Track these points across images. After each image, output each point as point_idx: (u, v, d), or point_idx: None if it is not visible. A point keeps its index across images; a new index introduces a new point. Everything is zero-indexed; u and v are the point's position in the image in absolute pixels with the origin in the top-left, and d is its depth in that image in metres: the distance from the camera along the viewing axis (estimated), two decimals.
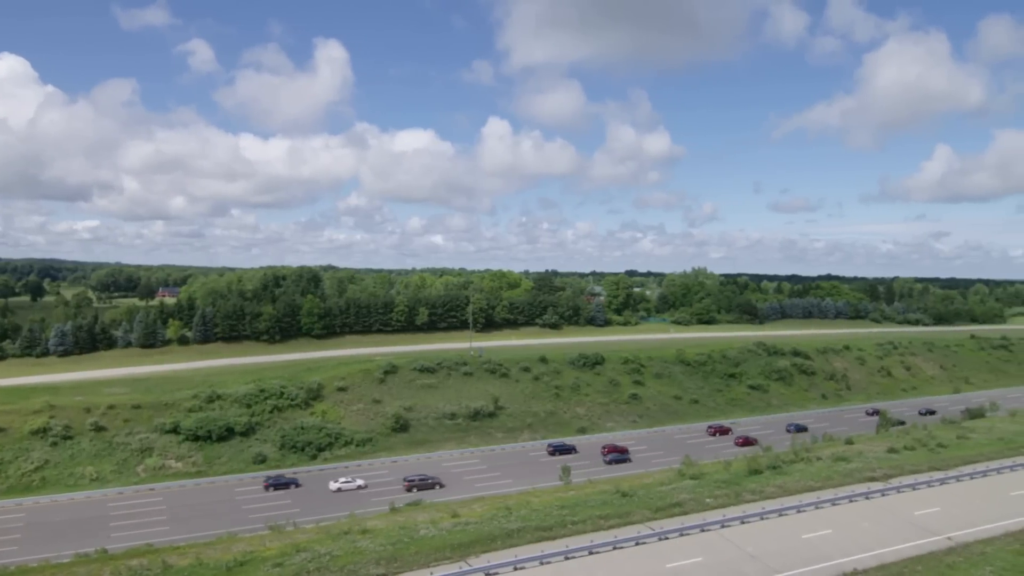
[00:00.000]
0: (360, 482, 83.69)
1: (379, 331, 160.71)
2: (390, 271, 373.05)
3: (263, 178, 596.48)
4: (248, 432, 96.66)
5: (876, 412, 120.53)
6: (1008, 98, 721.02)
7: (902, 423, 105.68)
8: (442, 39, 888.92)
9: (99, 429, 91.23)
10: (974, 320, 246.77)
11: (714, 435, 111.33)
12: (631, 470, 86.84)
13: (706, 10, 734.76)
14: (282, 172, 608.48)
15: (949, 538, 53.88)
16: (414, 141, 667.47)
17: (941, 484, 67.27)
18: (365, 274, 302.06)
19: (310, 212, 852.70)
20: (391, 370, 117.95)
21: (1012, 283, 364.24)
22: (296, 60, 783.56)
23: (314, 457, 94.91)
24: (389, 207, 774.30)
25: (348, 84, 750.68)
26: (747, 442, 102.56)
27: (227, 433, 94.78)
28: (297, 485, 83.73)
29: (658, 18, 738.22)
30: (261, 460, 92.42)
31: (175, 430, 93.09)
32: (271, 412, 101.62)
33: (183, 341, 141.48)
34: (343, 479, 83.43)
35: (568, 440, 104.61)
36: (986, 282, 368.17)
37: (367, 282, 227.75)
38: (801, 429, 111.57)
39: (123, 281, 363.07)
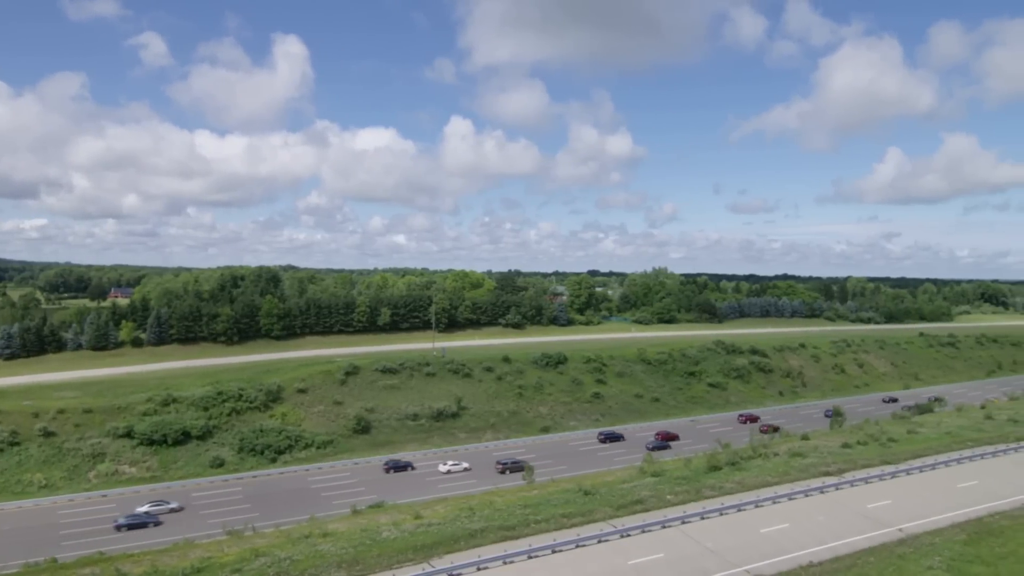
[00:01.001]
0: (465, 464, 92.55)
1: (340, 332, 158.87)
2: (351, 271, 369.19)
3: (220, 176, 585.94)
4: (205, 435, 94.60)
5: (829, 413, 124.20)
6: (956, 103, 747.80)
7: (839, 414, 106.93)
8: (404, 36, 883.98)
9: (48, 434, 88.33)
10: (923, 318, 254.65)
11: (744, 423, 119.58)
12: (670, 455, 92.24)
13: (668, 12, 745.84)
14: (240, 170, 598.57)
15: (900, 530, 55.54)
16: (376, 139, 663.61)
17: (892, 477, 69.34)
18: (326, 274, 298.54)
19: (269, 211, 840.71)
20: (353, 371, 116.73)
21: (958, 282, 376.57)
22: (254, 55, 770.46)
23: (273, 460, 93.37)
24: (350, 206, 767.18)
25: (308, 81, 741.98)
26: (772, 428, 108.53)
27: (183, 437, 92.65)
28: (412, 468, 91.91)
29: (620, 19, 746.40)
30: (219, 464, 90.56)
31: (129, 434, 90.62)
32: (229, 415, 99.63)
33: (137, 343, 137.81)
34: (451, 462, 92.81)
35: (525, 441, 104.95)
36: (934, 281, 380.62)
37: (328, 282, 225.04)
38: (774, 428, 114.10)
39: (73, 281, 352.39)
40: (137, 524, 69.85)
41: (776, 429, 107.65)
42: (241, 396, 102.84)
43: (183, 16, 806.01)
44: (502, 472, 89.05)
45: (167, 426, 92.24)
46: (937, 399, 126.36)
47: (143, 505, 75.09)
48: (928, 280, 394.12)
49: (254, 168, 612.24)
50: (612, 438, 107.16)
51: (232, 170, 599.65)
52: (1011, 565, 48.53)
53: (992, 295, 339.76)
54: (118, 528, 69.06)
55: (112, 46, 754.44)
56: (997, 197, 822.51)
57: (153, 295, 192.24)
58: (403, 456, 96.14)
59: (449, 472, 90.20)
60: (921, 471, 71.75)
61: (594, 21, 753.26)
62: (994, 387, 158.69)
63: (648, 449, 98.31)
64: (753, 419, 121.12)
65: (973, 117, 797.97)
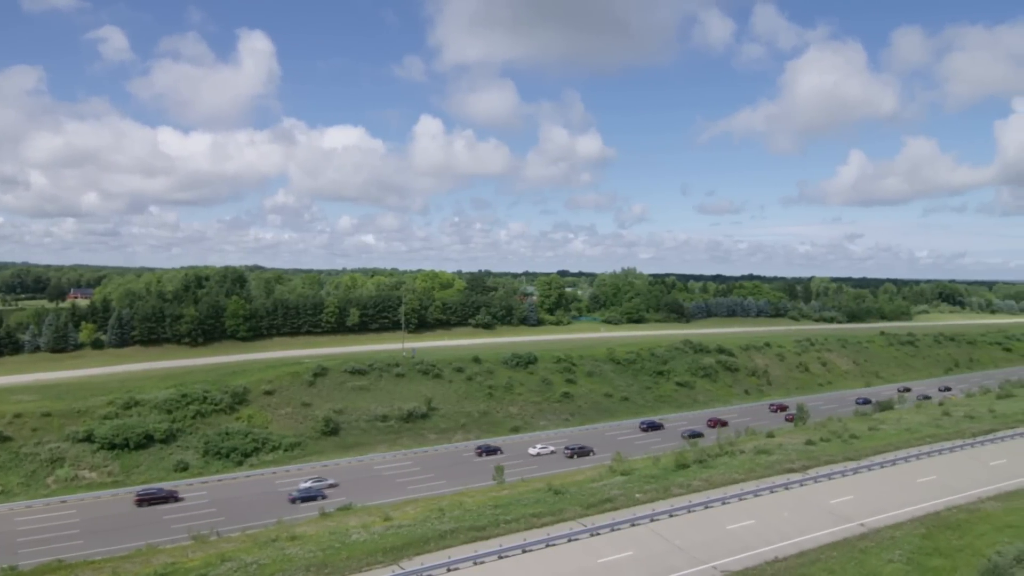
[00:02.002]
0: (552, 448, 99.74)
1: (308, 333, 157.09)
2: (320, 271, 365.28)
3: (184, 174, 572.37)
4: (169, 439, 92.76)
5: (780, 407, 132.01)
6: (918, 106, 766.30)
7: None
8: (372, 34, 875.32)
9: (4, 439, 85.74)
10: (883, 317, 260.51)
11: (775, 412, 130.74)
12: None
13: (637, 14, 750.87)
14: (204, 168, 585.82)
15: (862, 524, 56.86)
16: (344, 138, 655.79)
17: (854, 473, 70.89)
18: (293, 274, 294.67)
19: (235, 210, 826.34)
20: (321, 372, 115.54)
21: (917, 282, 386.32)
22: (218, 51, 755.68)
23: (240, 463, 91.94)
24: (318, 206, 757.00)
25: (274, 77, 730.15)
26: (794, 418, 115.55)
27: (146, 440, 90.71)
28: (501, 451, 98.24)
29: (591, 20, 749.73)
30: (183, 468, 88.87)
31: (89, 439, 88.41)
32: (193, 418, 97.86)
33: (97, 345, 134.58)
34: (540, 445, 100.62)
35: (497, 440, 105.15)
36: (894, 282, 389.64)
37: (295, 282, 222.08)
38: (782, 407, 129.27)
39: (30, 282, 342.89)
40: (309, 497, 78.01)
41: (791, 418, 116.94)
42: (206, 398, 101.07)
43: (143, 9, 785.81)
44: (570, 457, 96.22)
45: (129, 430, 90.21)
46: (907, 389, 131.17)
47: (306, 481, 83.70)
48: (888, 280, 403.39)
49: (219, 166, 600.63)
50: (653, 427, 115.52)
51: (196, 168, 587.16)
52: (967, 557, 50.02)
53: (949, 295, 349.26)
54: (293, 501, 76.85)
55: (70, 40, 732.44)
56: (955, 199, 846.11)
57: (114, 296, 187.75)
58: (491, 442, 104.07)
59: (539, 455, 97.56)
60: (882, 467, 73.50)
61: (564, 21, 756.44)
62: (951, 384, 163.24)
63: (683, 437, 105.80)
64: (783, 408, 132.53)
65: (933, 121, 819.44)
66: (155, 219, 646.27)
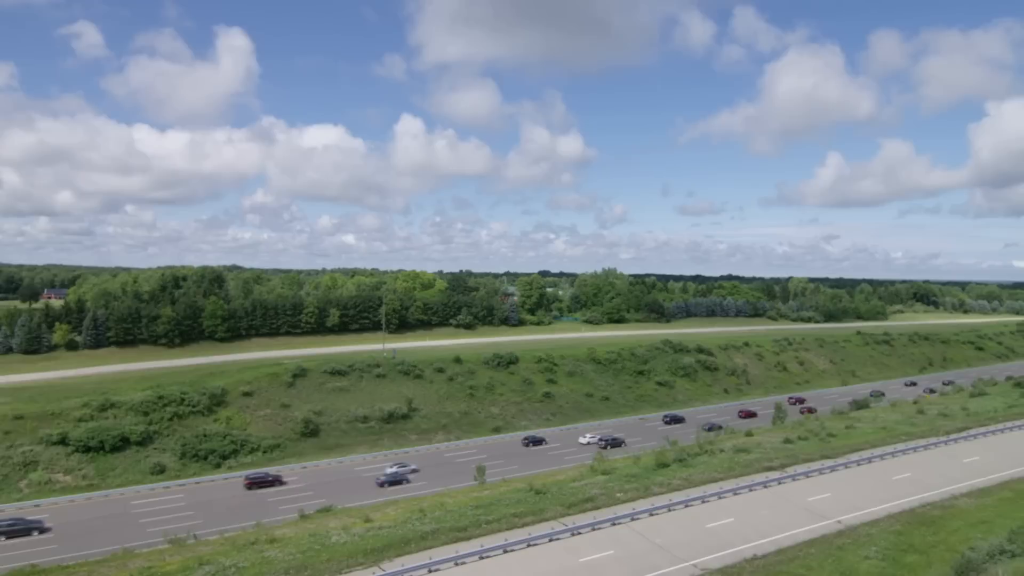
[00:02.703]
0: (600, 437, 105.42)
1: (287, 333, 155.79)
2: (299, 271, 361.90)
3: (160, 172, 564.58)
4: (145, 441, 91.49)
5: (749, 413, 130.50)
6: (894, 109, 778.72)
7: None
8: (352, 32, 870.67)
9: None
10: (860, 317, 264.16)
11: (794, 404, 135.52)
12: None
13: (619, 15, 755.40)
14: (181, 166, 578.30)
15: (839, 521, 57.54)
16: (324, 137, 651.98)
17: (831, 471, 71.78)
18: (272, 274, 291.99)
19: (212, 209, 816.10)
20: (300, 373, 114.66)
21: (893, 283, 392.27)
22: (195, 48, 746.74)
23: (218, 466, 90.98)
24: (298, 205, 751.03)
25: (253, 75, 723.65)
26: (810, 410, 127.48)
27: (122, 443, 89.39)
28: (546, 442, 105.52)
29: (572, 20, 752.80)
30: (160, 470, 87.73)
31: (63, 441, 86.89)
32: (171, 420, 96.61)
33: (72, 346, 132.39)
34: (589, 435, 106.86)
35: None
36: (870, 282, 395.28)
37: (274, 283, 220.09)
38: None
39: (2, 282, 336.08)
40: (396, 481, 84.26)
41: (814, 410, 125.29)
42: (183, 400, 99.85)
43: (118, 5, 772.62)
44: (604, 447, 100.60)
45: (104, 432, 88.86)
46: (879, 393, 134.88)
47: (392, 467, 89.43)
48: (865, 281, 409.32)
49: (197, 165, 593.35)
50: (675, 420, 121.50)
51: (173, 166, 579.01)
52: (941, 553, 50.82)
53: (924, 295, 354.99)
54: (381, 485, 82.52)
55: (43, 35, 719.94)
56: (930, 201, 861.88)
57: (89, 296, 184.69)
58: (536, 433, 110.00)
59: (588, 443, 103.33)
60: (858, 464, 74.50)
61: (546, 21, 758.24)
62: (926, 383, 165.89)
63: (705, 430, 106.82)
64: (801, 400, 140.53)
65: (909, 123, 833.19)
66: (131, 218, 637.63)
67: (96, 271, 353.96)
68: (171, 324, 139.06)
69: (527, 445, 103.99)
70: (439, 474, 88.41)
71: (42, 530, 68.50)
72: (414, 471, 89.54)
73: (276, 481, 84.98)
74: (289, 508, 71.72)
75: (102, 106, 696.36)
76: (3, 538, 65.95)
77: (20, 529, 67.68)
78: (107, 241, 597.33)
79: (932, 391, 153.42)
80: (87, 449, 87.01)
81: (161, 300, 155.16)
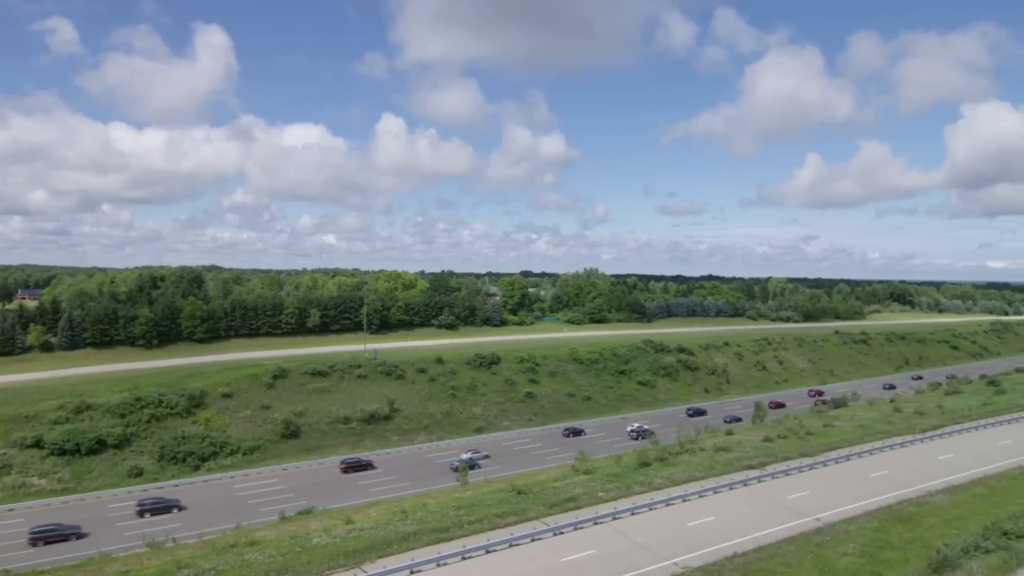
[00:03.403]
0: (647, 426, 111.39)
1: (267, 334, 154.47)
2: (279, 271, 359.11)
3: (138, 171, 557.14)
4: (122, 444, 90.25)
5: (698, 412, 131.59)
6: (872, 111, 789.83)
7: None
8: (333, 29, 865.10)
9: None
10: (837, 317, 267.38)
11: (812, 396, 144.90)
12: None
13: (601, 15, 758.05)
14: (159, 165, 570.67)
15: (817, 519, 58.20)
16: (304, 136, 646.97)
17: (810, 469, 72.60)
18: (252, 275, 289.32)
19: (191, 209, 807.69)
20: (281, 374, 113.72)
21: (870, 283, 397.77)
22: (172, 45, 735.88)
23: (197, 468, 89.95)
24: (278, 205, 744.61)
25: (232, 73, 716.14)
26: (823, 401, 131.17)
27: (98, 446, 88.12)
28: (585, 433, 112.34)
29: (554, 20, 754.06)
30: (137, 473, 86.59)
31: (38, 444, 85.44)
32: (148, 422, 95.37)
33: (47, 348, 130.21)
34: (636, 424, 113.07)
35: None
36: (848, 282, 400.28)
37: (254, 283, 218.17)
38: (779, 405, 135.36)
39: None
40: (471, 466, 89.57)
41: (826, 402, 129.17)
42: (161, 402, 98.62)
43: (93, 0, 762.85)
44: (635, 438, 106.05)
45: (80, 435, 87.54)
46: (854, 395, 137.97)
47: (466, 453, 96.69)
48: (842, 281, 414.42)
49: (175, 163, 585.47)
50: (698, 413, 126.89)
51: (151, 165, 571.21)
52: (917, 549, 51.61)
53: (900, 295, 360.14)
54: (454, 469, 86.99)
55: (15, 31, 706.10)
56: (906, 202, 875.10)
57: (65, 296, 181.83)
58: (575, 424, 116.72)
59: (633, 430, 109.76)
60: (836, 462, 75.40)
61: (528, 20, 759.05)
62: (902, 381, 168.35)
63: (725, 422, 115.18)
64: (820, 393, 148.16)
65: (887, 125, 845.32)
66: (107, 218, 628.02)
67: (72, 271, 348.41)
68: (149, 325, 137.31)
69: (568, 436, 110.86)
70: (507, 461, 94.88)
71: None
72: (485, 457, 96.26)
73: (368, 465, 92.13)
74: (270, 510, 71.21)
75: (77, 104, 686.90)
76: None
77: None
78: (83, 241, 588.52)
79: (892, 386, 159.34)
80: (62, 452, 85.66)
81: (139, 301, 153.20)
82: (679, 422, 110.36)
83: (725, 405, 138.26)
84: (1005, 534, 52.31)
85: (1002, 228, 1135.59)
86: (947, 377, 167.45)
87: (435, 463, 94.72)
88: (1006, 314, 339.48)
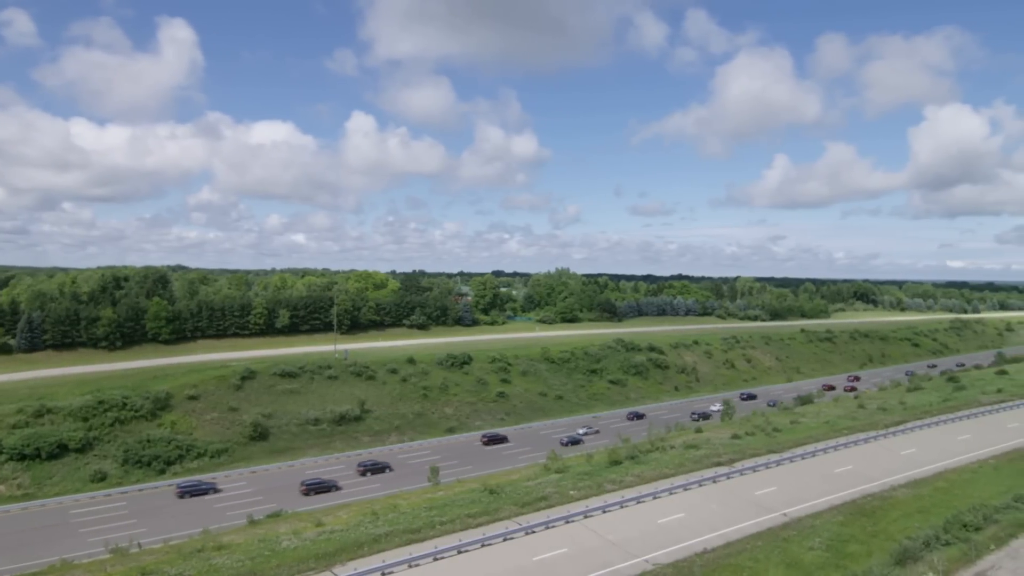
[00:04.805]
0: (715, 407, 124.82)
1: (235, 335, 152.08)
2: (247, 271, 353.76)
3: (100, 169, 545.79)
4: (85, 448, 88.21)
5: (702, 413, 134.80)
6: (839, 112, 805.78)
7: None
8: (301, 24, 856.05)
9: None
10: (804, 316, 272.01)
11: (828, 390, 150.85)
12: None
13: (574, 14, 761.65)
14: (122, 162, 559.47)
15: (784, 514, 59.15)
16: (272, 133, 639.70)
17: (777, 465, 73.70)
18: (219, 275, 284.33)
19: (156, 207, 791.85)
20: (249, 376, 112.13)
21: (835, 282, 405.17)
22: (135, 39, 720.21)
23: (162, 472, 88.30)
24: (246, 203, 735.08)
25: (197, 68, 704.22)
26: (853, 389, 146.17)
27: (59, 450, 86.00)
28: (644, 416, 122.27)
29: (527, 19, 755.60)
30: (101, 478, 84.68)
31: None
32: (112, 425, 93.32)
33: (5, 350, 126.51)
34: (716, 405, 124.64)
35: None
36: (814, 281, 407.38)
37: (221, 283, 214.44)
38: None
39: None
40: (575, 441, 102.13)
41: (855, 389, 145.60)
42: (125, 404, 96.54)
43: None
44: (696, 419, 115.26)
45: (40, 439, 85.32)
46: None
47: (580, 429, 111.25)
48: (808, 280, 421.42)
49: (138, 161, 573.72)
50: (703, 416, 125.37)
51: (113, 162, 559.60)
52: (881, 542, 52.77)
53: (864, 294, 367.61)
54: (564, 444, 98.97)
55: None
56: (871, 203, 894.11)
57: (23, 297, 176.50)
58: (639, 409, 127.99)
59: (704, 416, 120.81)
60: (803, 458, 76.63)
61: (501, 19, 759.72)
62: (866, 378, 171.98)
63: (769, 405, 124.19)
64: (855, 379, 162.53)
65: (853, 127, 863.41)
66: (68, 216, 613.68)
67: (31, 271, 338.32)
68: (112, 326, 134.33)
69: (631, 419, 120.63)
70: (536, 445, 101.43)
71: None
72: (595, 432, 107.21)
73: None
74: (238, 513, 70.14)
75: (36, 98, 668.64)
76: None
77: None
78: (43, 240, 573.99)
79: (852, 388, 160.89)
80: (22, 457, 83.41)
81: (101, 301, 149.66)
82: (618, 430, 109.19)
83: (695, 403, 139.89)
84: (965, 526, 53.82)
85: (962, 228, 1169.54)
86: (906, 373, 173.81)
87: (550, 439, 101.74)
88: (965, 312, 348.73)
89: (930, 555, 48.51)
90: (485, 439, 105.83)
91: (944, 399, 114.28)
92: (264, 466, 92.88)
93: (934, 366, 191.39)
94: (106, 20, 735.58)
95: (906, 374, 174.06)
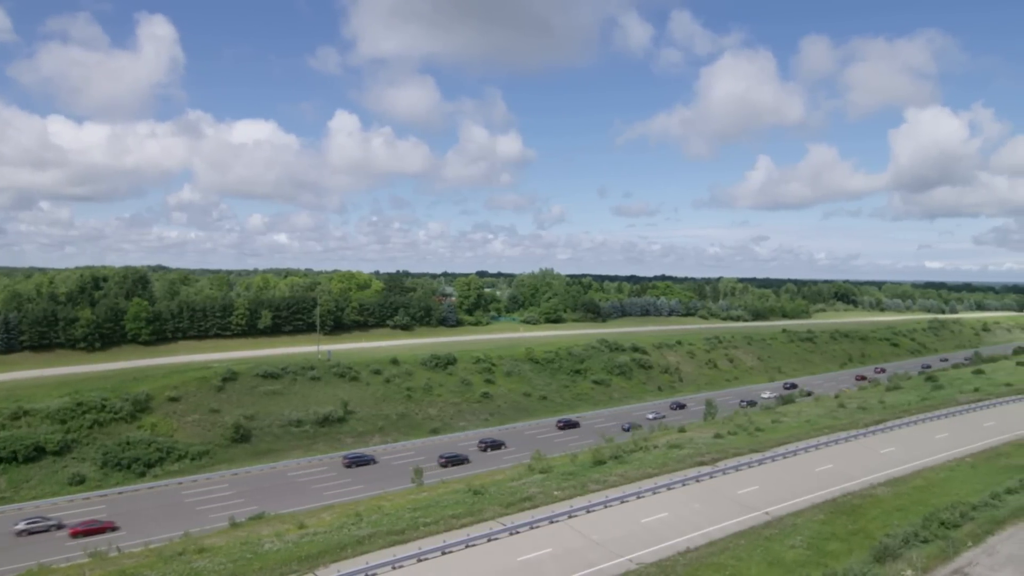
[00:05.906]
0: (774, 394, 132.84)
1: (217, 336, 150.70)
2: (229, 272, 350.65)
3: (78, 167, 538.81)
4: (63, 451, 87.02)
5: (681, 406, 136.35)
6: (821, 114, 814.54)
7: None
8: (283, 21, 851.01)
9: None
10: (785, 316, 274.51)
11: (860, 380, 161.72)
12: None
13: (559, 14, 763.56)
14: (101, 161, 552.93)
15: (767, 513, 59.64)
16: (255, 132, 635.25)
17: (759, 464, 74.27)
18: (200, 275, 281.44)
19: (135, 207, 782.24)
20: (231, 377, 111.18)
21: (816, 283, 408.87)
22: (113, 35, 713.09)
23: (142, 474, 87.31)
24: (227, 203, 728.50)
25: (178, 66, 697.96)
26: (865, 377, 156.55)
27: (36, 453, 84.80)
28: (687, 407, 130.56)
29: (513, 18, 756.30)
30: (79, 481, 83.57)
31: None
32: (90, 427, 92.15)
33: None
34: (768, 393, 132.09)
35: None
36: (795, 282, 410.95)
37: (203, 283, 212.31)
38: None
39: None
40: (631, 428, 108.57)
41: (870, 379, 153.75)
42: (104, 406, 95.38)
43: None
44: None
45: (17, 442, 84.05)
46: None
47: (650, 414, 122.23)
48: (790, 281, 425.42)
49: (117, 159, 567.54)
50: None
51: (92, 161, 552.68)
52: (861, 540, 53.37)
53: (844, 294, 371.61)
54: (624, 429, 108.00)
55: None
56: (852, 204, 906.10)
57: (0, 298, 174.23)
58: (680, 399, 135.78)
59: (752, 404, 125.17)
60: (784, 457, 77.30)
61: (486, 18, 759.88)
62: (846, 377, 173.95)
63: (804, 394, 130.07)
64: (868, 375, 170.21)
65: (835, 128, 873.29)
66: (46, 215, 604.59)
67: (7, 271, 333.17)
68: (91, 327, 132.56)
69: (673, 409, 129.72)
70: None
71: None
72: (659, 418, 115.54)
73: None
74: (220, 516, 69.52)
75: (11, 95, 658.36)
76: None
77: None
78: (19, 240, 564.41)
79: (809, 392, 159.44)
80: None
81: (80, 302, 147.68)
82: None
83: (676, 402, 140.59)
84: (943, 524, 54.56)
85: (940, 230, 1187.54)
86: (877, 370, 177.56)
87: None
88: (943, 312, 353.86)
89: (909, 552, 49.14)
90: (483, 445, 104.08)
91: (922, 398, 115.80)
92: (246, 468, 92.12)
93: (928, 366, 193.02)
94: (84, 16, 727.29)
95: (923, 367, 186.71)
